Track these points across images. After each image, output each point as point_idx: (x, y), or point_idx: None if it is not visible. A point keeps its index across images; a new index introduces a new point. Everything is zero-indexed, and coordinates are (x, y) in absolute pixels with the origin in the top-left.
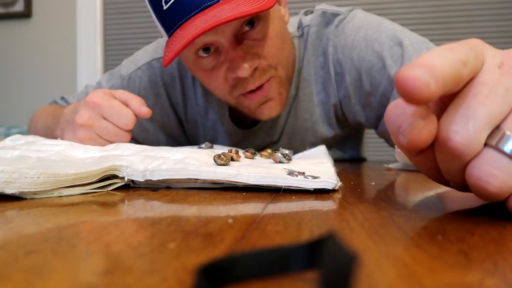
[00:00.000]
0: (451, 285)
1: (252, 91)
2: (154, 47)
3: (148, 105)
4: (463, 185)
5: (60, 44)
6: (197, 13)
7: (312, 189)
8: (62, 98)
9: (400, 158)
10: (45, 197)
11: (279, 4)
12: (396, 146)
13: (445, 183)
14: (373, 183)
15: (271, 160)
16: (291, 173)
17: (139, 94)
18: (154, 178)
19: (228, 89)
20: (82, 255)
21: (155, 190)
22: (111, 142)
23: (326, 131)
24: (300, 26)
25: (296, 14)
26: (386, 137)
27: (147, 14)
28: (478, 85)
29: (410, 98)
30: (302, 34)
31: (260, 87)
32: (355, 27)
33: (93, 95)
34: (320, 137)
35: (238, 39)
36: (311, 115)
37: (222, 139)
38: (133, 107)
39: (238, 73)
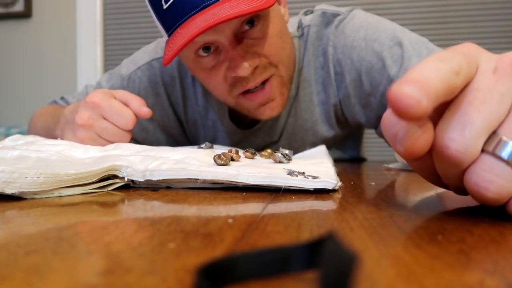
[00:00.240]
0: (451, 285)
1: (253, 92)
2: (154, 47)
3: (148, 105)
4: (462, 189)
5: (60, 44)
6: (197, 12)
7: (312, 189)
8: (62, 98)
9: (400, 158)
10: (45, 197)
11: (279, 3)
12: None
13: (445, 186)
14: (373, 183)
15: (271, 160)
16: (291, 173)
17: (139, 94)
18: (154, 178)
19: (227, 88)
20: (82, 255)
21: (155, 190)
22: (111, 142)
23: (326, 131)
24: (300, 26)
25: (296, 14)
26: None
27: (147, 14)
28: (473, 91)
29: (403, 115)
30: (302, 34)
31: (261, 88)
32: (355, 27)
33: (93, 95)
34: (320, 137)
35: (238, 38)
36: (311, 115)
37: (222, 139)
38: (133, 107)
39: (238, 72)
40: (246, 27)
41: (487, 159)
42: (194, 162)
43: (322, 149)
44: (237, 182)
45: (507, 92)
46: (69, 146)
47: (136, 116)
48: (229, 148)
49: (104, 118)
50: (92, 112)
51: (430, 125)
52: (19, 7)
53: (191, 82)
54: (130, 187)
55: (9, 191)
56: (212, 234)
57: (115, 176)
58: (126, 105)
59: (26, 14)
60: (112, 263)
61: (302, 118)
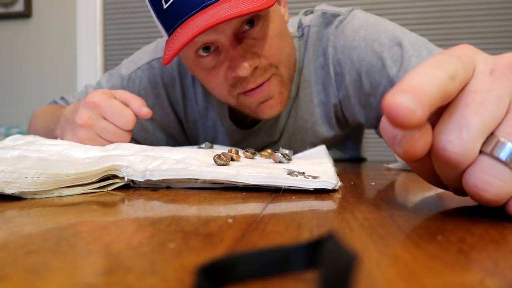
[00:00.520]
0: (451, 285)
1: (252, 89)
2: (154, 47)
3: (148, 105)
4: (461, 190)
5: (60, 44)
6: (197, 11)
7: (312, 189)
8: (62, 98)
9: (400, 158)
10: (45, 197)
11: (279, 3)
12: None
13: (444, 187)
14: (373, 183)
15: (271, 160)
16: (291, 173)
17: (139, 94)
18: (154, 178)
19: (228, 89)
20: (82, 255)
21: (155, 190)
22: (111, 142)
23: (326, 131)
24: (300, 26)
25: (296, 14)
26: None
27: (147, 14)
28: (470, 93)
29: (398, 125)
30: (302, 35)
31: (260, 85)
32: (355, 28)
33: (93, 95)
34: (320, 138)
35: (238, 38)
36: (311, 115)
37: (222, 139)
38: (134, 107)
39: (238, 72)
40: (246, 27)
41: (485, 161)
42: (194, 162)
43: (322, 149)
44: (237, 182)
45: (504, 94)
46: (69, 146)
47: (136, 116)
48: (229, 148)
49: (104, 118)
50: (92, 112)
51: (428, 127)
52: (19, 7)
53: (191, 82)
54: (130, 187)
55: (9, 191)
56: (212, 234)
57: (115, 176)
58: (126, 105)
59: (26, 14)
60: (112, 263)
61: (302, 119)
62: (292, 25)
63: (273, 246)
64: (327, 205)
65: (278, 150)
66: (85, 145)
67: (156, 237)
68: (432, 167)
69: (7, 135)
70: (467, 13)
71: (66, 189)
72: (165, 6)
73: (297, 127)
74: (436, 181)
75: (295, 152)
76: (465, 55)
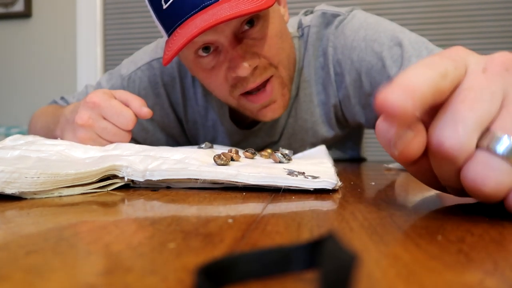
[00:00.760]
0: (451, 285)
1: (255, 94)
2: (154, 47)
3: (148, 105)
4: (459, 190)
5: (60, 44)
6: (196, 12)
7: (312, 189)
8: (62, 98)
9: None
10: (45, 197)
11: (279, 3)
12: None
13: (443, 189)
14: (373, 183)
15: (271, 160)
16: (291, 173)
17: (139, 94)
18: (154, 178)
19: (228, 89)
20: (82, 255)
21: (155, 190)
22: (111, 142)
23: (326, 131)
24: (300, 26)
25: (296, 14)
26: None
27: (147, 14)
28: (464, 91)
29: (391, 120)
30: (302, 35)
31: (263, 90)
32: (355, 28)
33: (93, 95)
34: (320, 138)
35: (238, 38)
36: (311, 115)
37: (222, 139)
38: (134, 107)
39: (238, 72)
40: (246, 27)
41: (482, 155)
42: (194, 162)
43: (322, 149)
44: (237, 182)
45: (497, 90)
46: (69, 146)
47: (136, 116)
48: (229, 148)
49: (104, 118)
50: (92, 112)
51: (421, 127)
52: (19, 7)
53: (191, 82)
54: (130, 187)
55: (9, 191)
56: (212, 234)
57: (115, 176)
58: (126, 105)
59: (26, 14)
60: (112, 263)
61: (302, 119)
62: (292, 25)
63: (273, 246)
64: (327, 205)
65: (278, 150)
66: (85, 145)
67: (156, 237)
68: (430, 168)
69: (7, 135)
70: (468, 13)
71: (66, 189)
72: (164, 6)
73: (297, 127)
74: (434, 183)
75: (295, 152)
76: (457, 55)
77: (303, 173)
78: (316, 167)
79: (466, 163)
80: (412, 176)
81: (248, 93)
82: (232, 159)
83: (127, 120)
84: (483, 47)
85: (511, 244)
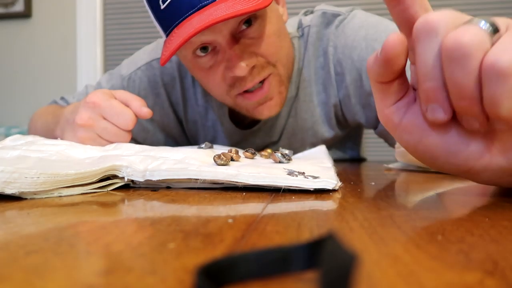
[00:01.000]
0: (451, 285)
1: (251, 91)
2: (154, 47)
3: (148, 105)
4: (476, 112)
5: (60, 44)
6: (193, 12)
7: (312, 189)
8: (62, 98)
9: (400, 158)
10: (45, 197)
11: (278, 3)
12: (396, 146)
13: (454, 155)
14: (373, 183)
15: (271, 160)
16: (291, 173)
17: (139, 94)
18: (154, 178)
19: (226, 89)
20: (82, 255)
21: (155, 190)
22: (111, 142)
23: (326, 131)
24: (300, 26)
25: (296, 14)
26: (385, 137)
27: (147, 14)
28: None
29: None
30: (302, 35)
31: (259, 87)
32: (355, 27)
33: (93, 95)
34: (320, 138)
35: (235, 38)
36: (311, 115)
37: (222, 139)
38: (134, 107)
39: (235, 72)
40: (244, 27)
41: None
42: (194, 162)
43: (322, 149)
44: (237, 182)
45: None
46: (69, 146)
47: (136, 116)
48: (229, 148)
49: (104, 118)
50: (92, 112)
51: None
52: (19, 7)
53: (191, 82)
54: (130, 187)
55: (9, 191)
56: (212, 234)
57: (115, 176)
58: (126, 105)
59: (26, 14)
60: (112, 263)
61: (302, 119)
62: (292, 25)
63: (273, 246)
64: (327, 205)
65: (278, 150)
66: (85, 145)
67: (156, 237)
68: (450, 135)
69: (7, 135)
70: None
71: (66, 189)
72: (162, 7)
73: (297, 127)
74: (447, 150)
75: (295, 152)
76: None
77: (303, 173)
78: (316, 167)
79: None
80: (412, 175)
81: (245, 92)
82: (232, 159)
83: (127, 120)
84: None
85: (511, 244)
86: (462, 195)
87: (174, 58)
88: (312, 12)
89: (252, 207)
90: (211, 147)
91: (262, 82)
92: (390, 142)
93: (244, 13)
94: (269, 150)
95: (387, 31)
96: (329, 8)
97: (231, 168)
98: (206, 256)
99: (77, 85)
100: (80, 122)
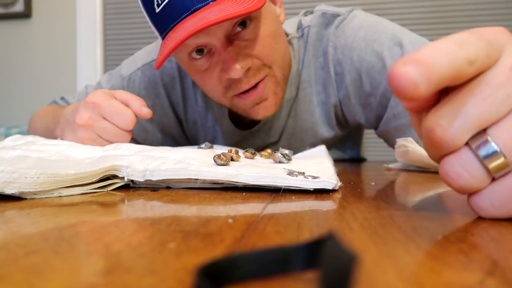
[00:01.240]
0: (451, 285)
1: (247, 91)
2: (154, 48)
3: (148, 106)
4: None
5: (60, 44)
6: (187, 15)
7: (312, 189)
8: (62, 98)
9: (400, 158)
10: (45, 197)
11: (274, 3)
12: (396, 146)
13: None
14: (373, 183)
15: (271, 160)
16: (291, 173)
17: (139, 95)
18: (154, 178)
19: (222, 90)
20: (82, 255)
21: (155, 190)
22: (111, 142)
23: (326, 131)
24: (300, 27)
25: (296, 14)
26: (385, 137)
27: None
28: (481, 84)
29: (399, 94)
30: (302, 35)
31: (254, 87)
32: (355, 28)
33: (93, 95)
34: (320, 138)
35: (230, 40)
36: (311, 115)
37: (221, 139)
38: (134, 107)
39: (230, 74)
40: (239, 29)
41: (465, 154)
42: (194, 162)
43: (322, 149)
44: (237, 182)
45: None
46: (69, 146)
47: (136, 116)
48: (229, 148)
49: (104, 118)
50: (92, 112)
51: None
52: (19, 7)
53: (191, 83)
54: (130, 187)
55: (9, 191)
56: (212, 234)
57: (115, 176)
58: (127, 105)
59: (26, 14)
60: (112, 263)
61: (302, 119)
62: (291, 26)
63: (273, 246)
64: (327, 205)
65: (278, 150)
66: (85, 145)
67: (156, 237)
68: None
69: (7, 135)
70: (467, 13)
71: (66, 189)
72: (157, 10)
73: (297, 128)
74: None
75: (295, 152)
76: (496, 41)
77: (303, 173)
78: (316, 167)
79: (448, 154)
80: (412, 175)
81: (241, 92)
82: (232, 159)
83: (127, 120)
84: None
85: (511, 244)
86: (462, 195)
87: (173, 58)
88: (312, 13)
89: (252, 207)
90: (211, 147)
91: (257, 84)
92: (390, 142)
93: (236, 16)
94: (269, 150)
95: (386, 32)
96: (329, 8)
97: (231, 168)
98: (206, 256)
99: (77, 85)
100: (80, 122)
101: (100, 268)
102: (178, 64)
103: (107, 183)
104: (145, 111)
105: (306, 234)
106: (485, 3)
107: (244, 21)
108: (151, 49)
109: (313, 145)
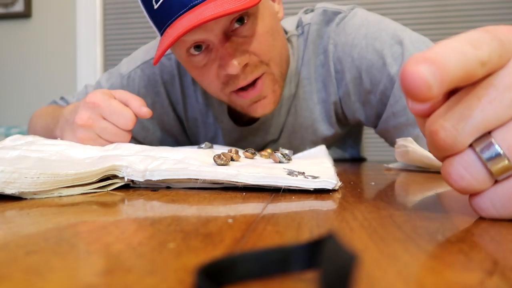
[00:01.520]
0: (451, 285)
1: (245, 89)
2: (153, 46)
3: (147, 104)
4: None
5: (60, 44)
6: (185, 11)
7: (312, 189)
8: (62, 98)
9: (400, 158)
10: (45, 197)
11: (273, 0)
12: (396, 146)
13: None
14: (373, 183)
15: (271, 160)
16: (291, 173)
17: (138, 93)
18: (154, 178)
19: (220, 86)
20: (82, 255)
21: (155, 190)
22: (111, 142)
23: (326, 129)
24: (300, 25)
25: (296, 13)
26: (385, 135)
27: None
28: (488, 87)
29: (410, 95)
30: (302, 33)
31: (253, 85)
32: (356, 26)
33: (93, 95)
34: (320, 136)
35: (228, 36)
36: (311, 113)
37: (222, 137)
38: (133, 107)
39: (227, 70)
40: (236, 25)
41: (468, 156)
42: (194, 162)
43: (322, 149)
44: (237, 182)
45: None
46: (69, 146)
47: (136, 116)
48: (229, 148)
49: (104, 118)
50: (92, 112)
51: None
52: (19, 7)
53: (191, 81)
54: (130, 187)
55: (9, 191)
56: (212, 234)
57: (115, 176)
58: (126, 105)
59: (26, 14)
60: (112, 263)
61: (302, 116)
62: (291, 24)
63: (273, 246)
64: (327, 205)
65: (278, 150)
66: (85, 145)
67: (156, 237)
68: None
69: (7, 135)
70: (466, 13)
71: (66, 189)
72: (155, 7)
73: (296, 125)
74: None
75: (295, 150)
76: (509, 42)
77: (303, 173)
78: (316, 167)
79: (451, 156)
80: (412, 175)
81: (239, 89)
82: (232, 159)
83: (127, 120)
84: None
85: (511, 244)
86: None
87: (173, 56)
88: (312, 11)
89: (252, 207)
90: (211, 147)
91: (255, 81)
92: (390, 141)
93: (232, 11)
94: (269, 150)
95: (387, 30)
96: (330, 6)
97: (231, 168)
98: (206, 256)
99: (77, 85)
100: (80, 122)
101: (100, 268)
102: (177, 62)
103: (107, 183)
104: (145, 111)
105: (306, 234)
106: (485, 3)
107: (241, 17)
108: (150, 47)
109: (313, 143)
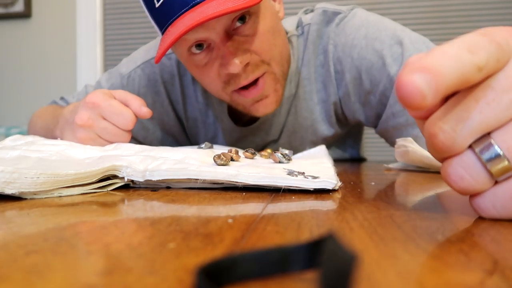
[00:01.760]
0: (451, 285)
1: (246, 88)
2: (153, 46)
3: (147, 103)
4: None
5: (60, 44)
6: (187, 10)
7: (312, 189)
8: (62, 98)
9: (400, 158)
10: (45, 197)
11: (273, 0)
12: (396, 146)
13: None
14: (373, 183)
15: (271, 160)
16: (291, 173)
17: (138, 93)
18: (154, 178)
19: (221, 85)
20: (82, 255)
21: (155, 190)
22: (111, 142)
23: (326, 129)
24: (299, 25)
25: (296, 13)
26: (385, 136)
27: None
28: (486, 89)
29: (404, 104)
30: (302, 33)
31: (254, 85)
32: (356, 26)
33: (93, 96)
34: (320, 136)
35: (229, 35)
36: (311, 113)
37: (222, 137)
38: (133, 107)
39: (229, 69)
40: (238, 24)
41: (468, 157)
42: (194, 162)
43: (322, 149)
44: (237, 182)
45: None
46: (69, 146)
47: (136, 116)
48: (229, 148)
49: (104, 118)
50: (92, 112)
51: None
52: (19, 7)
53: (191, 80)
54: (130, 187)
55: (9, 191)
56: (212, 234)
57: (115, 176)
58: (126, 105)
59: (26, 14)
60: (112, 263)
61: (302, 116)
62: (291, 24)
63: (273, 246)
64: (327, 205)
65: (278, 150)
66: (85, 145)
67: (156, 237)
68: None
69: (7, 135)
70: (466, 13)
71: (66, 189)
72: (157, 5)
73: (296, 125)
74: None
75: (295, 151)
76: (507, 44)
77: (303, 173)
78: (316, 167)
79: (451, 157)
80: (412, 175)
81: (240, 88)
82: (232, 159)
83: (127, 120)
84: None
85: (511, 244)
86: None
87: (173, 55)
88: (312, 11)
89: (252, 207)
90: (211, 147)
91: (256, 80)
92: (390, 141)
93: (234, 10)
94: (269, 150)
95: (387, 30)
96: (330, 6)
97: (231, 168)
98: (206, 256)
99: (77, 85)
100: (80, 122)
101: (100, 268)
102: (177, 61)
103: (107, 183)
104: (145, 111)
105: (306, 234)
106: (485, 3)
107: (243, 16)
108: (150, 47)
109: (313, 143)
